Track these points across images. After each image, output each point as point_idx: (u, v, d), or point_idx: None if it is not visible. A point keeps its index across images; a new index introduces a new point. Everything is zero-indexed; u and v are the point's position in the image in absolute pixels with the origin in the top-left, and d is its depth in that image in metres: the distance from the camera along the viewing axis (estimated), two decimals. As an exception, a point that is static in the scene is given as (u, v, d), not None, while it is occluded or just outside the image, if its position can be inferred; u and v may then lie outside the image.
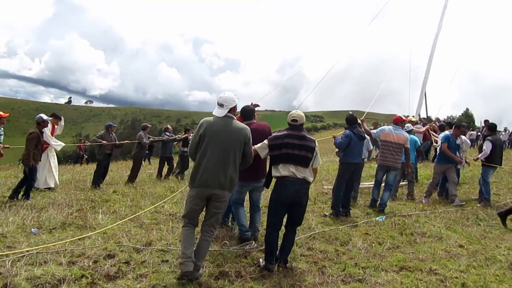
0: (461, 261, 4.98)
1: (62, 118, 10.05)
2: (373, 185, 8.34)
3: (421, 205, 8.32)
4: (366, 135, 8.05)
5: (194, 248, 4.05)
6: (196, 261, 3.98)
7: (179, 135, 12.96)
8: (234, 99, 4.25)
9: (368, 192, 9.62)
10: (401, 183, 10.85)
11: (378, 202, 7.95)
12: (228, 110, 4.19)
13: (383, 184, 8.13)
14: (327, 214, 7.25)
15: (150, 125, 12.34)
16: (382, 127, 8.40)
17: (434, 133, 12.32)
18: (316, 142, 4.76)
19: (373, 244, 5.60)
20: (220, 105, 4.18)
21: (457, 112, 63.31)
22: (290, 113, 4.85)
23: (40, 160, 8.19)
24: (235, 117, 4.31)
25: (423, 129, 12.34)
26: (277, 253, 4.57)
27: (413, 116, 13.91)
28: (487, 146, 8.56)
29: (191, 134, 13.16)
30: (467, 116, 53.66)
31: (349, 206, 7.44)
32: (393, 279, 4.32)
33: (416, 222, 6.92)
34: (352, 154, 7.36)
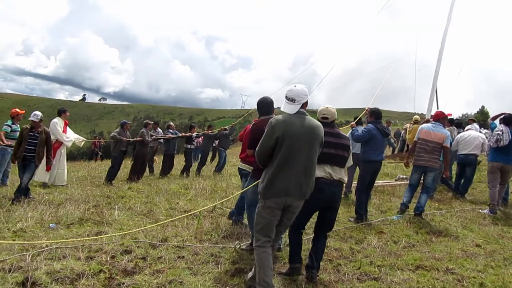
0: (478, 261, 4.92)
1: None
2: (406, 188, 7.41)
3: (437, 204, 8.23)
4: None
5: None
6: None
7: (183, 133, 13.01)
8: (306, 93, 3.69)
9: (381, 190, 9.56)
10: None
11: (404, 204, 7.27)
12: (300, 105, 3.66)
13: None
14: (351, 219, 6.77)
15: (152, 122, 12.30)
16: (420, 127, 7.45)
17: None
18: (350, 139, 4.47)
19: (389, 243, 5.56)
20: (291, 100, 3.63)
21: (472, 110, 62.43)
22: (319, 109, 4.45)
23: (20, 159, 7.53)
24: (307, 114, 3.76)
25: None
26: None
27: (420, 115, 13.79)
28: None
29: (195, 133, 13.17)
30: (483, 114, 52.80)
31: (366, 208, 6.98)
32: (409, 278, 4.29)
33: (432, 221, 6.85)
34: (374, 151, 6.87)
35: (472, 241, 5.79)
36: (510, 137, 7.62)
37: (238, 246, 5.02)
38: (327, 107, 4.41)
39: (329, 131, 4.16)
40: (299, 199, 3.64)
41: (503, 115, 8.12)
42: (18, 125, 8.81)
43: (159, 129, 12.94)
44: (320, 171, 4.07)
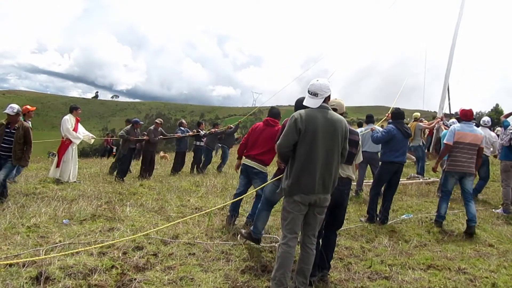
0: (491, 261, 4.89)
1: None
2: (440, 197, 6.71)
3: (449, 203, 8.12)
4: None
5: (297, 266, 3.69)
6: (303, 279, 3.64)
7: (191, 132, 13.00)
8: (329, 86, 3.62)
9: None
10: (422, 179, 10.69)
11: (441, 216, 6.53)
12: (323, 99, 3.60)
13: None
14: (362, 219, 6.68)
15: (161, 121, 12.26)
16: (451, 129, 6.60)
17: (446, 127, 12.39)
18: (359, 135, 4.38)
19: (400, 242, 5.54)
20: (314, 94, 3.58)
21: (486, 108, 61.42)
22: (342, 102, 4.34)
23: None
24: (330, 108, 3.71)
25: (435, 122, 11.89)
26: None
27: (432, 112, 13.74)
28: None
29: (203, 130, 13.12)
30: (497, 112, 51.94)
31: (388, 212, 6.69)
32: (420, 277, 4.27)
33: (444, 220, 6.78)
34: (394, 152, 6.60)
35: (485, 241, 5.75)
36: None
37: (239, 235, 5.07)
38: (335, 99, 4.30)
39: None
40: (324, 194, 3.58)
41: None
42: (30, 122, 8.91)
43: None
44: None
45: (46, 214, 6.00)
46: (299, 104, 4.53)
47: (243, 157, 5.90)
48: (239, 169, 6.06)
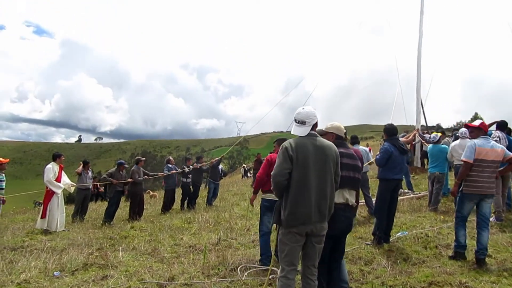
0: (491, 272, 4.86)
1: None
2: (455, 224, 5.76)
3: (442, 216, 8.17)
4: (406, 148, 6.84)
5: None
6: None
7: (179, 169, 12.89)
8: (315, 114, 3.62)
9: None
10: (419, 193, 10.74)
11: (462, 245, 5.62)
12: (311, 127, 3.60)
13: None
14: (369, 243, 6.40)
15: (144, 159, 12.16)
16: (470, 144, 5.50)
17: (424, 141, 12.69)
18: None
19: (398, 261, 5.48)
20: (301, 122, 3.58)
21: (465, 118, 62.78)
22: (334, 126, 4.26)
23: None
24: (318, 134, 3.70)
25: (411, 135, 11.96)
26: None
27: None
28: None
29: (191, 165, 12.93)
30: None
31: (390, 232, 6.58)
32: (423, 296, 4.22)
33: (439, 234, 6.77)
34: (392, 169, 6.49)
35: (482, 251, 5.72)
36: (507, 143, 7.64)
37: None
38: (337, 123, 4.29)
39: (346, 152, 3.99)
40: (320, 222, 3.51)
41: (495, 123, 8.18)
42: (3, 175, 8.74)
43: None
44: (340, 197, 3.90)
45: (36, 267, 5.82)
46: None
47: (264, 193, 5.64)
48: (254, 205, 5.95)
